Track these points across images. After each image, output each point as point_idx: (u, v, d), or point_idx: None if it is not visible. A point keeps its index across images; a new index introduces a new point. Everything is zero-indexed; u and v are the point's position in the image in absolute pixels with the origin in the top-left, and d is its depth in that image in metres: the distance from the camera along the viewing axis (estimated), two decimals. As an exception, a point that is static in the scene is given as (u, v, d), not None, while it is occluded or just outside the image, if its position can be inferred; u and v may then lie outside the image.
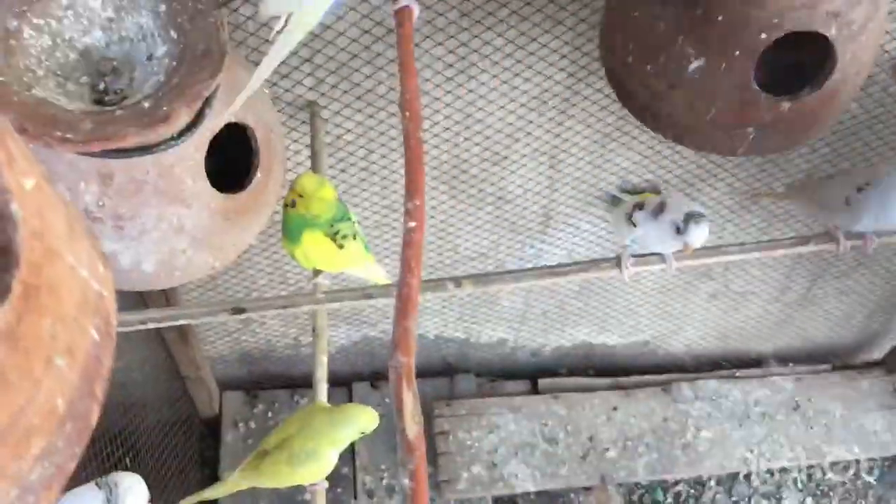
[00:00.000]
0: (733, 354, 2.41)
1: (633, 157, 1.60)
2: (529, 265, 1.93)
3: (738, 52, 0.95)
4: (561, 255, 1.90)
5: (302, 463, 1.07)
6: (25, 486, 0.34)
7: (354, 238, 1.07)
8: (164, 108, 0.89)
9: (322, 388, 1.17)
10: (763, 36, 0.94)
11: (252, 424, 2.24)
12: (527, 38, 1.32)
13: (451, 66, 1.35)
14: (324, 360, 1.18)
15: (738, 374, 2.36)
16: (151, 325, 0.92)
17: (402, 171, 0.61)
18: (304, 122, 1.42)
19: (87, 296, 0.39)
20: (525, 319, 2.17)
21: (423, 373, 2.21)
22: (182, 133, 0.95)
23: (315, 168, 1.34)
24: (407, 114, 0.58)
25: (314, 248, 1.06)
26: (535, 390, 2.31)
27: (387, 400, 2.25)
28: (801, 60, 1.07)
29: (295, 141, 1.46)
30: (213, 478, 2.20)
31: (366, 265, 1.13)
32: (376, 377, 2.29)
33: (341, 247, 1.04)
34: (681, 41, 0.97)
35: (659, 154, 1.58)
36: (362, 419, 1.07)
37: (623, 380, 2.34)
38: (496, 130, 1.51)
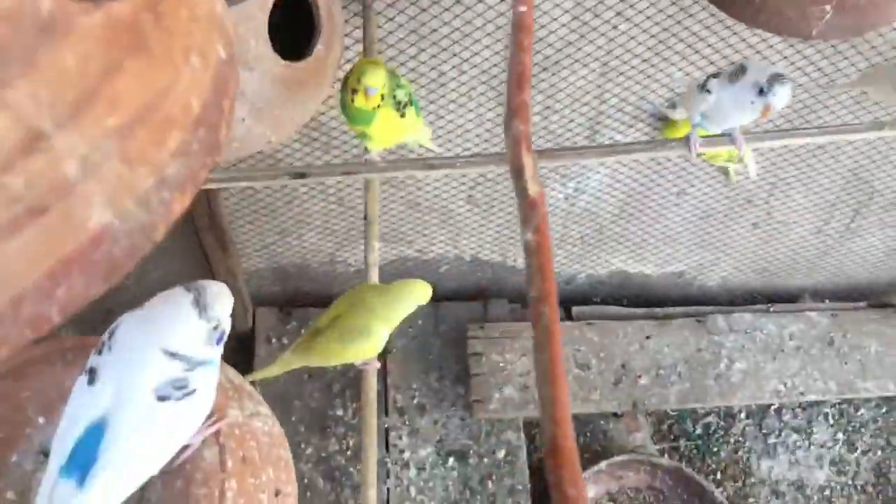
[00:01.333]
0: (770, 289, 2.39)
1: (688, 69, 1.57)
2: (572, 183, 1.91)
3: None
4: (604, 173, 1.88)
5: (353, 340, 1.07)
6: (162, 178, 0.34)
7: (410, 103, 1.06)
8: (234, -44, 0.88)
9: (374, 273, 1.17)
10: None
11: (285, 340, 2.26)
12: (589, -72, 1.28)
13: (509, -44, 1.32)
14: (375, 245, 1.17)
15: (773, 308, 2.34)
16: (212, 186, 0.91)
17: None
18: (355, 14, 1.40)
19: (215, 14, 0.38)
20: (562, 243, 2.16)
21: (457, 295, 2.20)
22: (248, -9, 0.94)
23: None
24: None
25: (384, 126, 1.05)
26: (568, 317, 2.31)
27: (419, 322, 2.26)
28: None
29: (346, 35, 1.44)
30: (245, 391, 2.22)
31: (421, 130, 1.12)
32: (410, 298, 2.28)
33: (403, 115, 1.03)
34: None
35: (717, 58, 1.55)
36: (416, 291, 1.06)
37: (657, 310, 2.33)
38: (550, 31, 1.48)
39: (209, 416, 0.72)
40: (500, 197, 1.94)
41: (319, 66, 1.08)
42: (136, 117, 0.31)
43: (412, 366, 2.21)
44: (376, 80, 1.01)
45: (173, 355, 0.63)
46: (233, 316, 2.12)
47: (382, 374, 2.20)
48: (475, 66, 1.53)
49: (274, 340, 2.25)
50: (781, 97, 0.92)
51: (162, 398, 0.63)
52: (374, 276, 1.17)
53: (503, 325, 2.25)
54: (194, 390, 0.65)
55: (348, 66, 1.45)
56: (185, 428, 0.67)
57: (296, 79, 1.04)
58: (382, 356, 2.23)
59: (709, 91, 0.97)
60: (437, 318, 2.26)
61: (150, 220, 0.34)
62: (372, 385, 1.12)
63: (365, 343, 1.09)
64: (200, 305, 0.65)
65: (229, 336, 2.07)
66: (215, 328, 0.66)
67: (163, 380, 0.63)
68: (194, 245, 1.94)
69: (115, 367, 0.63)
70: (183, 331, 0.64)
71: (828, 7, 0.99)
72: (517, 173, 0.43)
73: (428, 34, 1.46)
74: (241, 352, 2.33)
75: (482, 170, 1.62)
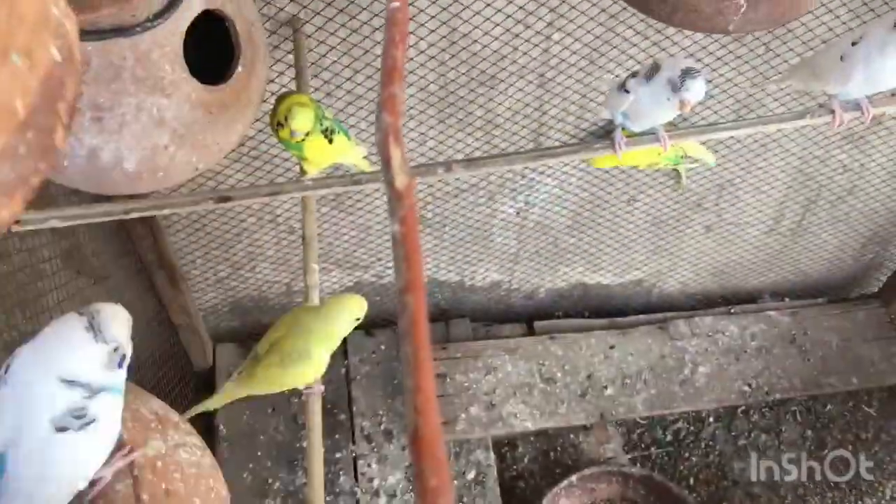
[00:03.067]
0: (729, 291, 2.40)
1: (624, 74, 1.58)
2: (521, 196, 1.91)
3: (727, -85, 0.93)
4: (552, 185, 1.88)
5: (294, 363, 1.05)
6: (-17, 183, 0.32)
7: (337, 132, 1.06)
8: (139, -19, 0.87)
9: (314, 295, 1.15)
10: None
11: (246, 375, 2.22)
12: (511, -61, 1.29)
13: (434, -28, 1.33)
14: (314, 267, 1.15)
15: (733, 310, 2.35)
16: (135, 215, 0.89)
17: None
18: (286, 38, 1.39)
19: (48, 16, 0.36)
20: (518, 259, 2.15)
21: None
22: (158, 15, 0.93)
23: (299, 88, 1.31)
24: None
25: (315, 152, 1.05)
26: (531, 332, 2.30)
27: (382, 347, 2.23)
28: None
29: (278, 60, 1.43)
30: (208, 430, 2.18)
31: (353, 151, 1.12)
32: (370, 324, 2.27)
33: (331, 141, 1.03)
34: None
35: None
36: (350, 306, 1.05)
37: (619, 319, 2.33)
38: (483, 46, 1.48)
39: (121, 448, 0.70)
40: (451, 215, 1.93)
41: (242, 89, 1.06)
42: (-58, 119, 0.30)
43: (377, 392, 2.18)
44: (304, 123, 1.02)
45: (70, 383, 0.61)
46: (193, 354, 2.08)
47: (347, 402, 2.18)
48: (412, 83, 1.53)
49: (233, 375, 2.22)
50: (694, 91, 0.93)
51: (61, 429, 0.60)
52: (315, 299, 1.16)
53: (466, 345, 2.23)
54: (94, 419, 0.62)
55: (277, 88, 1.45)
56: (88, 460, 0.64)
57: (217, 102, 1.03)
58: (346, 385, 2.20)
59: (627, 91, 0.98)
60: (398, 340, 2.24)
61: (-26, 229, 0.32)
62: (316, 410, 1.10)
63: (306, 366, 1.07)
64: (95, 328, 0.63)
65: (191, 374, 2.04)
66: (115, 350, 0.64)
67: (60, 409, 0.61)
68: (145, 283, 1.91)
69: (12, 399, 0.61)
70: (78, 356, 0.62)
71: (742, 1, 1.00)
72: (386, 164, 0.42)
73: (361, 55, 1.45)
74: (203, 389, 2.29)
75: (421, 182, 1.61)
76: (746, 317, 2.32)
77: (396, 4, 0.51)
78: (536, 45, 1.50)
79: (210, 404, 1.15)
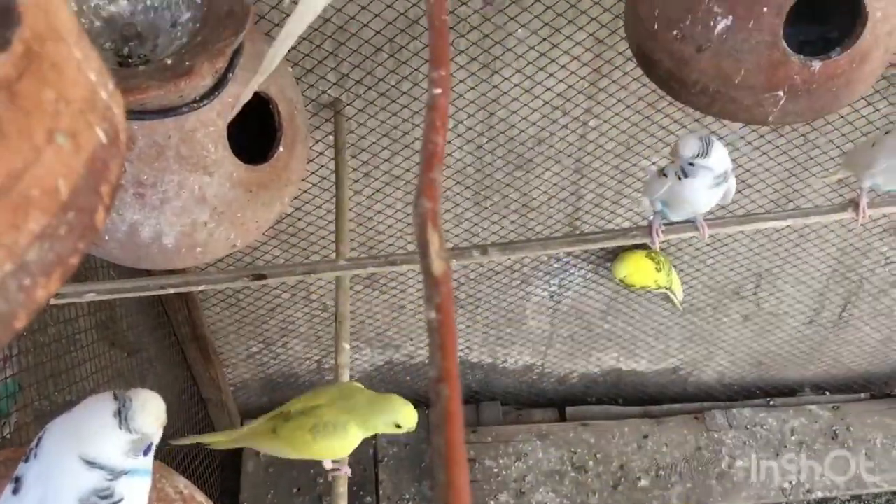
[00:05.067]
0: (768, 383, 2.34)
1: (661, 162, 1.58)
2: (556, 280, 1.90)
3: (765, 9, 0.94)
4: (587, 269, 1.87)
5: (328, 434, 1.03)
6: (22, 263, 0.32)
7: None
8: (187, 63, 0.89)
9: (345, 374, 1.14)
10: (791, -9, 0.92)
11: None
12: (550, 29, 1.32)
13: (474, 59, 1.35)
14: (346, 346, 1.15)
15: (772, 402, 2.29)
16: (171, 290, 0.90)
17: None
18: (327, 120, 1.42)
19: (95, 99, 0.37)
20: (552, 342, 2.13)
21: (447, 399, 2.17)
22: (204, 96, 0.95)
23: (338, 168, 1.33)
24: (432, 0, 0.57)
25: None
26: (563, 418, 2.25)
27: (410, 428, 2.20)
28: (832, 33, 1.05)
29: (319, 140, 1.46)
30: (232, 508, 2.15)
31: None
32: (400, 404, 2.24)
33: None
34: (707, 2, 0.96)
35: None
36: (403, 412, 1.02)
37: (654, 408, 2.28)
38: (520, 131, 1.50)
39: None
40: (484, 296, 1.92)
41: (282, 169, 1.08)
42: (-14, 199, 0.30)
43: (404, 475, 2.14)
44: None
45: (92, 464, 0.61)
46: (220, 430, 2.07)
47: (375, 484, 2.13)
48: (449, 166, 1.55)
49: (262, 455, 2.19)
50: (716, 153, 0.92)
51: (88, 508, 0.59)
52: (345, 378, 1.14)
53: (496, 429, 2.19)
54: (121, 500, 0.61)
55: (316, 168, 1.47)
56: (115, 539, 0.63)
57: (257, 181, 1.05)
58: (374, 467, 2.16)
59: (665, 175, 0.97)
60: (429, 425, 2.20)
61: (9, 309, 0.32)
62: (342, 493, 1.07)
63: (338, 441, 1.04)
64: (122, 416, 0.62)
65: (216, 452, 2.01)
66: (139, 439, 0.63)
67: (86, 489, 0.60)
68: (177, 356, 1.91)
69: (40, 475, 0.60)
70: (101, 441, 0.61)
71: (780, 93, 1.00)
72: (423, 250, 0.41)
73: (400, 137, 1.47)
74: (228, 467, 2.26)
75: (456, 264, 1.61)
76: (786, 410, 2.26)
77: (438, 91, 0.51)
78: (573, 131, 1.51)
79: (213, 439, 1.13)
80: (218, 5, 0.94)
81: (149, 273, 1.16)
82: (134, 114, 0.92)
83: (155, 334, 1.79)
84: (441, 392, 0.37)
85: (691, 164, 0.94)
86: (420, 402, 2.23)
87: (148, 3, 0.99)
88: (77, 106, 0.35)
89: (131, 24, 0.98)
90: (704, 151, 0.93)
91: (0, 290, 0.31)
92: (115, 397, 0.63)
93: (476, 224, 1.69)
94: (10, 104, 0.31)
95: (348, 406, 1.04)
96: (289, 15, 0.79)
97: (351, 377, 1.26)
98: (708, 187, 0.95)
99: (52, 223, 0.33)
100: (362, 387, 1.10)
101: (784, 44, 0.96)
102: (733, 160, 1.04)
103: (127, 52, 0.98)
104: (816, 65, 0.97)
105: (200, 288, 1.20)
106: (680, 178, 0.95)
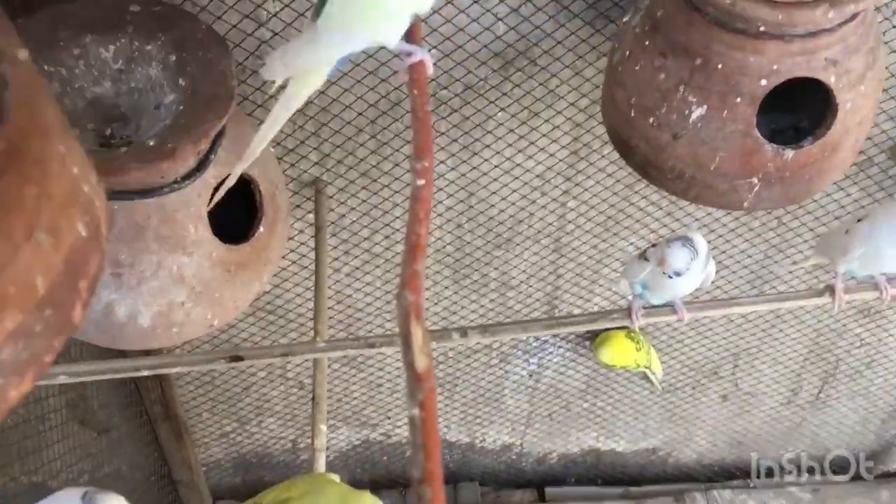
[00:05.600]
0: (747, 463, 2.32)
1: (638, 242, 1.60)
2: (534, 359, 1.89)
3: (739, 100, 0.96)
4: (566, 347, 1.87)
5: None
6: (-6, 362, 0.31)
7: None
8: (170, 145, 0.89)
9: (321, 459, 1.12)
10: (763, 82, 0.95)
11: (244, 535, 2.13)
12: (529, 113, 1.34)
13: (455, 141, 1.37)
14: (323, 428, 1.13)
15: (752, 483, 2.26)
16: (145, 372, 0.88)
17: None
18: (308, 198, 1.42)
19: (77, 193, 0.37)
20: (531, 421, 2.10)
21: (424, 479, 2.13)
22: (186, 177, 0.95)
23: (318, 247, 1.33)
24: (415, 92, 0.58)
25: None
26: (542, 499, 2.21)
27: (387, 510, 2.15)
28: (803, 122, 1.09)
29: (299, 219, 1.46)
30: None
31: None
32: (376, 485, 2.19)
33: None
34: (682, 90, 0.99)
35: (664, 231, 1.58)
36: None
37: (633, 489, 2.25)
38: (500, 211, 1.51)
39: None
40: (462, 375, 1.91)
41: (262, 249, 1.08)
42: (-39, 298, 0.29)
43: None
44: None
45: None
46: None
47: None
48: (429, 245, 1.55)
49: (232, 540, 2.13)
50: (673, 255, 0.94)
51: None
52: (321, 462, 1.12)
53: (474, 511, 2.15)
54: None
55: (296, 246, 1.47)
56: None
57: (237, 261, 1.04)
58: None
59: (646, 259, 0.98)
60: (405, 505, 2.16)
61: (-20, 409, 0.31)
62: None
63: None
64: None
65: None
66: None
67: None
68: (149, 436, 1.87)
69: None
70: None
71: (755, 180, 1.02)
72: (406, 344, 0.41)
73: (380, 216, 1.48)
74: (197, 549, 2.19)
75: (436, 346, 1.60)
76: (766, 491, 2.24)
77: (422, 182, 0.52)
78: (552, 212, 1.53)
79: None
80: (201, 88, 0.95)
81: (123, 353, 1.14)
82: (115, 194, 0.91)
83: (126, 413, 1.75)
84: (424, 495, 0.36)
85: (678, 273, 0.95)
86: (397, 483, 2.19)
87: (132, 84, 0.99)
88: (58, 201, 0.35)
89: (115, 106, 0.98)
90: (693, 256, 0.94)
91: (-29, 391, 0.30)
92: (84, 494, 0.61)
93: (455, 303, 1.69)
94: (-9, 202, 0.31)
95: (319, 501, 1.01)
96: (274, 98, 0.80)
97: (327, 458, 1.23)
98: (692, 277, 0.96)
99: (27, 321, 0.32)
100: (336, 479, 1.08)
101: (757, 133, 0.98)
102: (709, 242, 1.05)
103: (110, 133, 0.98)
104: (789, 153, 1.00)
105: (176, 370, 1.18)
106: (671, 277, 0.95)
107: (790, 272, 1.68)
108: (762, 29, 0.91)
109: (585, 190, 1.49)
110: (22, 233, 0.32)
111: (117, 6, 0.98)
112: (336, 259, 1.54)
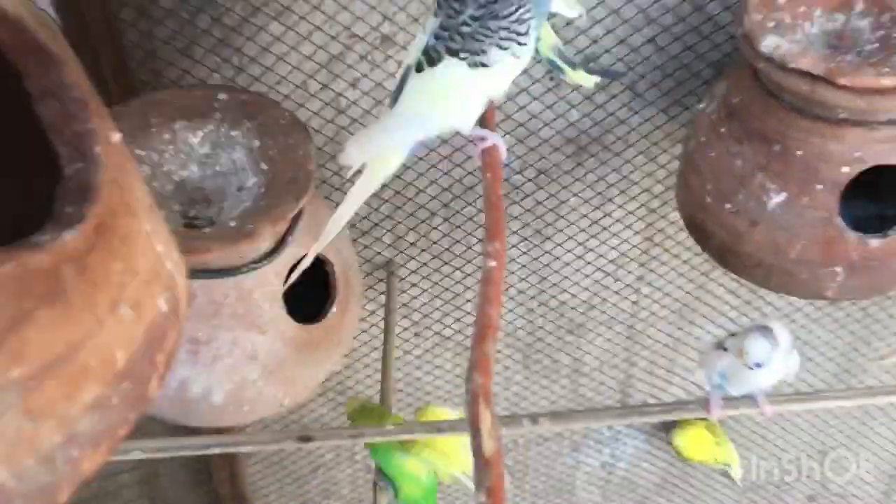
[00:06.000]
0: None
1: (715, 331, 1.55)
2: (607, 449, 1.83)
3: (819, 187, 0.94)
4: (640, 439, 1.81)
5: None
6: (72, 434, 0.32)
7: None
8: (250, 227, 0.92)
9: None
10: (845, 170, 0.93)
11: None
12: (602, 199, 1.34)
13: (527, 225, 1.38)
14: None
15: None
16: (216, 450, 0.89)
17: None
18: (381, 280, 1.44)
19: (160, 270, 0.38)
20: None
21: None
22: (264, 257, 0.98)
23: (387, 329, 1.34)
24: (488, 175, 0.58)
25: None
26: None
27: None
28: (889, 210, 1.06)
29: (371, 300, 1.47)
30: None
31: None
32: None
33: None
34: (760, 177, 0.97)
35: (744, 321, 1.53)
36: None
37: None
38: (572, 296, 1.50)
39: None
40: (532, 464, 1.86)
41: (334, 329, 1.09)
42: (44, 368, 0.30)
43: None
44: None
45: None
46: None
47: None
48: (500, 328, 1.54)
49: None
50: (753, 347, 0.90)
51: None
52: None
53: None
54: None
55: (368, 327, 1.48)
56: None
57: (309, 341, 1.05)
58: None
59: (725, 349, 0.95)
60: None
61: (54, 481, 0.32)
62: None
63: None
64: None
65: None
66: None
67: None
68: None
69: None
70: None
71: (838, 269, 0.99)
72: (474, 429, 0.40)
73: (451, 299, 1.48)
74: None
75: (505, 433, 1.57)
76: None
77: (493, 263, 0.52)
78: (625, 297, 1.51)
79: None
80: (282, 172, 0.99)
81: (193, 430, 1.15)
82: (195, 272, 0.94)
83: (196, 490, 1.76)
84: (490, 586, 0.35)
85: (759, 364, 0.92)
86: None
87: (217, 168, 1.03)
88: (142, 277, 0.36)
89: (200, 189, 1.02)
90: (774, 346, 0.92)
91: (46, 462, 0.31)
92: None
93: (525, 388, 1.67)
94: (79, 276, 0.32)
95: None
96: (351, 182, 0.83)
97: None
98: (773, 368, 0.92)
99: (105, 393, 0.33)
100: None
101: (840, 220, 0.95)
102: (791, 332, 1.02)
103: (194, 215, 1.02)
104: (874, 243, 0.96)
105: (246, 449, 1.18)
106: (751, 368, 0.93)
107: (879, 365, 1.60)
108: (843, 116, 0.90)
109: (660, 276, 1.47)
110: (106, 307, 0.33)
111: (206, 95, 1.02)
112: (406, 341, 1.54)
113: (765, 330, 0.92)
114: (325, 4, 1.11)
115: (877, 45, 0.95)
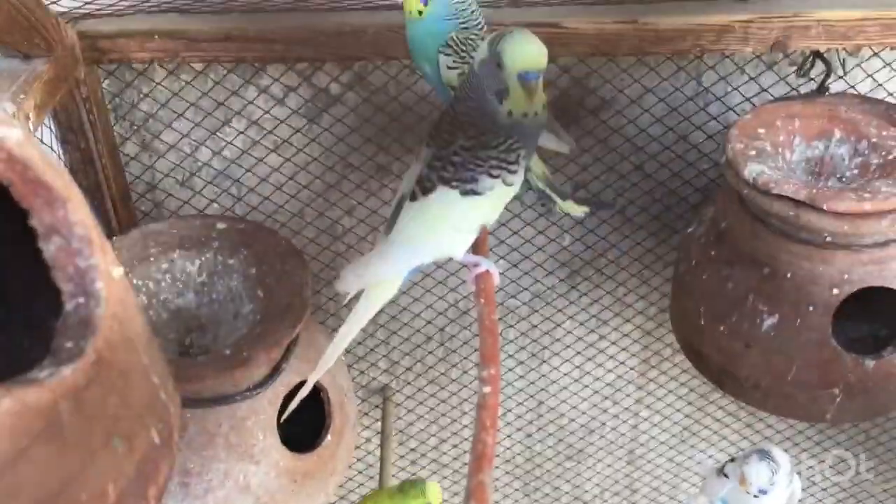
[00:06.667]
0: None
1: (717, 455, 1.53)
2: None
3: (811, 308, 0.95)
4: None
5: None
6: (58, 574, 0.31)
7: None
8: (244, 354, 0.92)
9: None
10: (835, 291, 0.94)
11: None
12: (597, 321, 1.35)
13: (523, 348, 1.38)
14: None
15: None
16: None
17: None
18: (376, 406, 1.43)
19: (155, 401, 0.38)
20: None
21: None
22: (258, 385, 0.97)
23: (383, 456, 1.32)
24: (482, 301, 0.59)
25: None
26: None
27: None
28: (882, 330, 1.06)
29: (367, 427, 1.45)
30: None
31: None
32: None
33: None
34: (752, 299, 0.98)
35: (745, 444, 1.51)
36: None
37: None
38: (570, 420, 1.48)
39: None
40: None
41: (329, 458, 1.06)
42: (36, 505, 0.30)
43: None
44: None
45: None
46: None
47: None
48: (497, 455, 1.51)
49: None
50: (754, 472, 0.89)
51: None
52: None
53: None
54: None
55: (363, 455, 1.45)
56: None
57: (303, 470, 1.03)
58: None
59: (726, 475, 0.93)
60: None
61: None
62: None
63: None
64: None
65: None
66: None
67: None
68: None
69: None
70: None
71: (836, 391, 0.98)
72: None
73: (448, 424, 1.47)
74: None
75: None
76: None
77: (488, 389, 0.52)
78: (624, 421, 1.49)
79: None
80: (278, 298, 0.99)
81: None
82: (188, 401, 0.93)
83: None
84: None
85: (763, 491, 0.91)
86: None
87: (213, 296, 1.04)
88: (137, 410, 0.36)
89: (196, 317, 1.03)
90: (775, 471, 0.90)
91: None
92: None
93: (525, 516, 1.62)
94: (75, 412, 0.32)
95: None
96: (347, 307, 0.83)
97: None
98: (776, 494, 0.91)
99: (95, 530, 0.32)
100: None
101: (834, 342, 0.96)
102: (792, 456, 1.01)
103: (189, 343, 1.02)
104: (870, 363, 0.97)
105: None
106: (756, 497, 0.91)
107: (884, 490, 1.57)
108: (829, 239, 0.92)
109: (658, 399, 1.46)
110: (100, 440, 0.33)
111: (205, 224, 1.04)
112: (403, 469, 1.51)
113: (764, 454, 0.91)
114: (322, 137, 1.15)
115: (856, 171, 0.98)
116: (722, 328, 1.01)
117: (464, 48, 0.81)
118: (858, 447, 1.51)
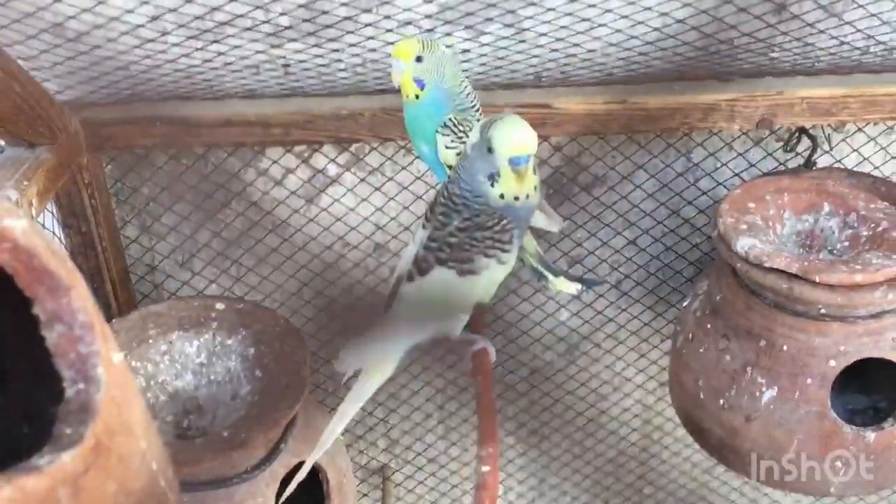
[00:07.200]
0: None
1: (723, 531, 1.50)
2: None
3: (809, 381, 0.95)
4: None
5: None
6: None
7: None
8: (242, 435, 0.91)
9: None
10: (832, 363, 0.94)
11: None
12: (597, 396, 1.34)
13: (523, 425, 1.37)
14: None
15: None
16: None
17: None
18: (376, 486, 1.41)
19: (154, 488, 0.38)
20: None
21: None
22: (256, 466, 0.96)
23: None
24: (479, 378, 0.60)
25: None
26: None
27: None
28: (882, 402, 1.06)
29: (368, 509, 1.43)
30: None
31: None
32: None
33: None
34: (749, 372, 0.98)
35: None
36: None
37: None
38: (573, 498, 1.46)
39: None
40: None
41: (327, 541, 1.05)
42: None
43: None
44: None
45: None
46: None
47: None
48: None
49: None
50: None
51: None
52: None
53: None
54: None
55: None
56: None
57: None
58: None
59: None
60: None
61: None
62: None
63: None
64: None
65: None
66: None
67: None
68: None
69: None
70: None
71: (839, 464, 0.97)
72: None
73: (445, 493, 1.44)
74: None
75: None
76: None
77: (487, 468, 0.52)
78: (628, 499, 1.47)
79: None
80: (276, 378, 0.99)
81: None
82: (185, 485, 0.92)
83: None
84: None
85: None
86: None
87: (212, 377, 1.04)
88: (136, 497, 0.36)
89: (194, 398, 1.02)
90: None
91: None
92: None
93: None
94: (74, 498, 0.32)
95: None
96: (346, 386, 0.83)
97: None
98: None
99: None
100: None
101: (834, 414, 0.95)
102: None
103: (187, 425, 1.01)
104: (871, 435, 0.96)
105: None
106: None
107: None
108: (823, 312, 0.92)
109: (661, 475, 1.44)
110: (97, 529, 0.33)
111: (204, 305, 1.05)
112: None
113: None
114: (320, 217, 1.16)
115: (847, 243, 1.00)
116: (721, 402, 1.01)
117: (461, 129, 0.84)
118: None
